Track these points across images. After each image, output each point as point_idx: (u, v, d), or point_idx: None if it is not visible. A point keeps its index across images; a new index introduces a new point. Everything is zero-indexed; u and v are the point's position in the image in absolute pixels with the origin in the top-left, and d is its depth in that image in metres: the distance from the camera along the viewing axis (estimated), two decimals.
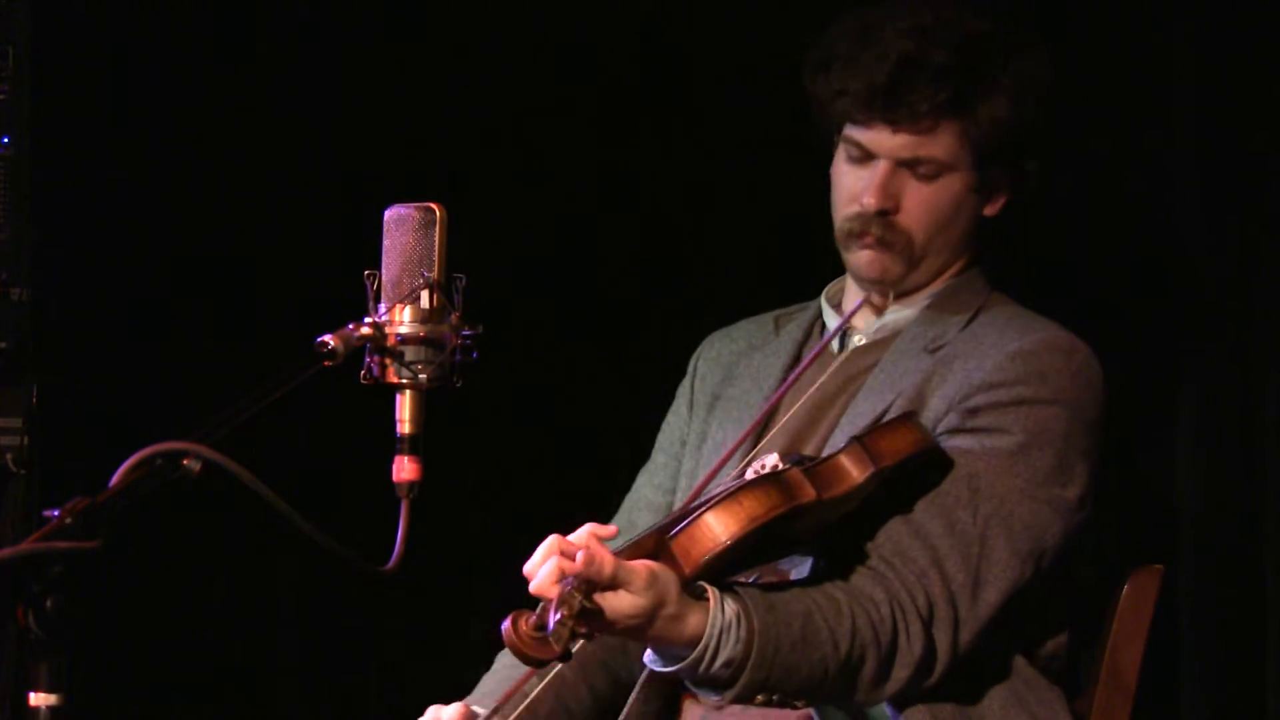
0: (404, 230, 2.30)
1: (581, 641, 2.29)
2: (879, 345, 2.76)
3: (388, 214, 2.31)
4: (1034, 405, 2.59)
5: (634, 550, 2.39)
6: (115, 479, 2.03)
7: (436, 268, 2.29)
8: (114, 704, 3.83)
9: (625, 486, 2.98)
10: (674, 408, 2.96)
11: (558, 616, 2.26)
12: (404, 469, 2.28)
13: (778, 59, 2.89)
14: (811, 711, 2.54)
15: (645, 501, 2.92)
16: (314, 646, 4.09)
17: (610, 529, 2.45)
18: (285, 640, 4.11)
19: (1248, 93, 3.56)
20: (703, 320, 3.03)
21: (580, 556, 2.30)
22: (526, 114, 4.04)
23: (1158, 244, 3.68)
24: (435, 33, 4.06)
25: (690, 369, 2.96)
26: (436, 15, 4.05)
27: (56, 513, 1.97)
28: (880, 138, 2.68)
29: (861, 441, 2.47)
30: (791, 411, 2.73)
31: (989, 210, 2.76)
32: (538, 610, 2.32)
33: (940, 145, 2.67)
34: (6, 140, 3.68)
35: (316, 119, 4.04)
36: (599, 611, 2.30)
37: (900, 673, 2.48)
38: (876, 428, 2.52)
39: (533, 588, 2.36)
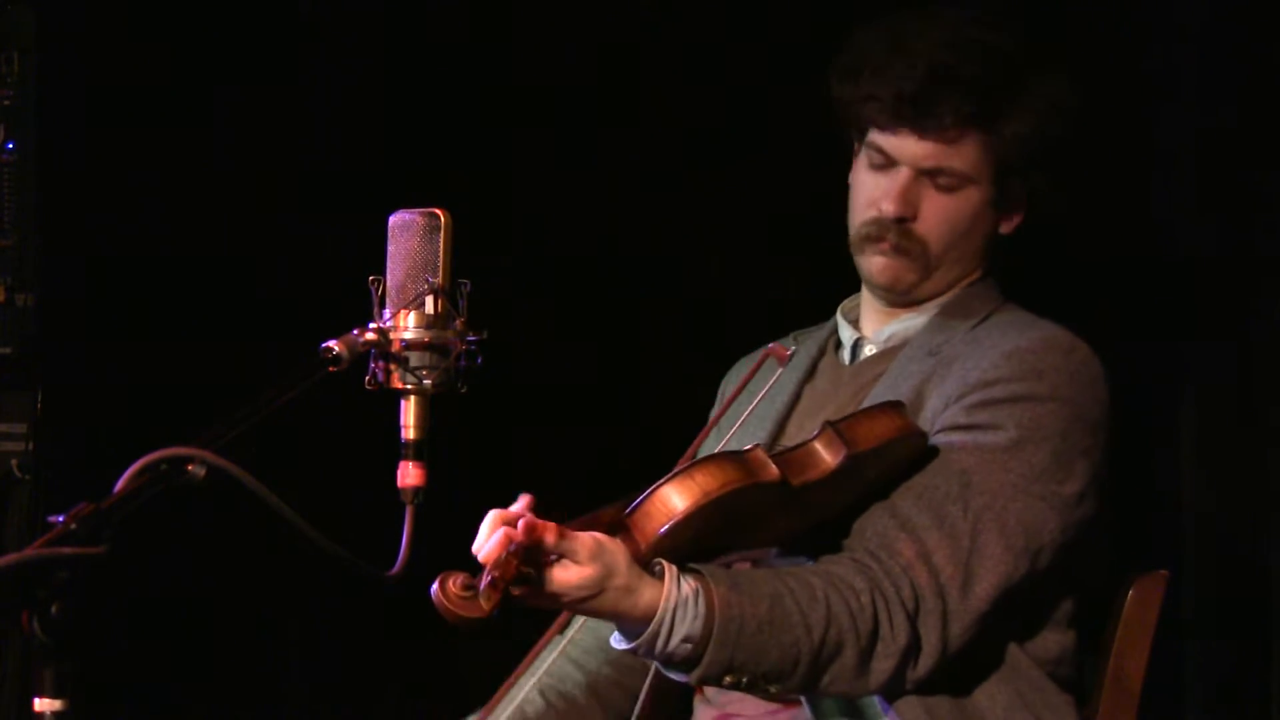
0: (409, 235, 2.30)
1: (507, 603, 2.26)
2: (888, 354, 2.76)
3: (392, 219, 2.31)
4: (1029, 402, 2.57)
5: (589, 523, 2.38)
6: (120, 484, 2.03)
7: (441, 273, 2.29)
8: (119, 710, 3.83)
9: (628, 490, 2.98)
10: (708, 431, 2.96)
11: (489, 578, 2.24)
12: (409, 474, 2.28)
13: (799, 68, 2.90)
14: (805, 706, 2.52)
15: None
16: (319, 652, 4.09)
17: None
18: (290, 645, 4.11)
19: (1248, 96, 3.57)
20: (707, 326, 3.04)
21: (521, 524, 2.29)
22: (531, 118, 4.04)
23: (1160, 250, 3.68)
24: (441, 36, 4.06)
25: (719, 395, 2.97)
26: (440, 18, 4.05)
27: (61, 518, 1.97)
28: (905, 145, 2.69)
29: (835, 426, 2.44)
30: (804, 425, 2.72)
31: (1005, 228, 2.77)
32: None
33: (963, 157, 2.69)
34: (11, 145, 3.69)
35: (321, 123, 4.05)
36: (535, 578, 2.28)
37: (883, 663, 2.44)
38: (853, 413, 2.49)
39: (481, 559, 2.33)
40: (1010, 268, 2.83)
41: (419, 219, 2.30)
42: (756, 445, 2.43)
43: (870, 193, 2.73)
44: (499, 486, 4.01)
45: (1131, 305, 3.71)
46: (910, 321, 2.77)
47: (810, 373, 2.83)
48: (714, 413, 2.94)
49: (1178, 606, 3.53)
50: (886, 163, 2.71)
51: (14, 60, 3.68)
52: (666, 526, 2.35)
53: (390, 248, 2.31)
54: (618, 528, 2.38)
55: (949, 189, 2.70)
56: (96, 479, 2.07)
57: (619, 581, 2.33)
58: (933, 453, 2.55)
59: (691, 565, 2.39)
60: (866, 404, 2.66)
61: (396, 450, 2.29)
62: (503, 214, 3.94)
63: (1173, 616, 3.12)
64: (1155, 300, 3.70)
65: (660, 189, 3.98)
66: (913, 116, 2.67)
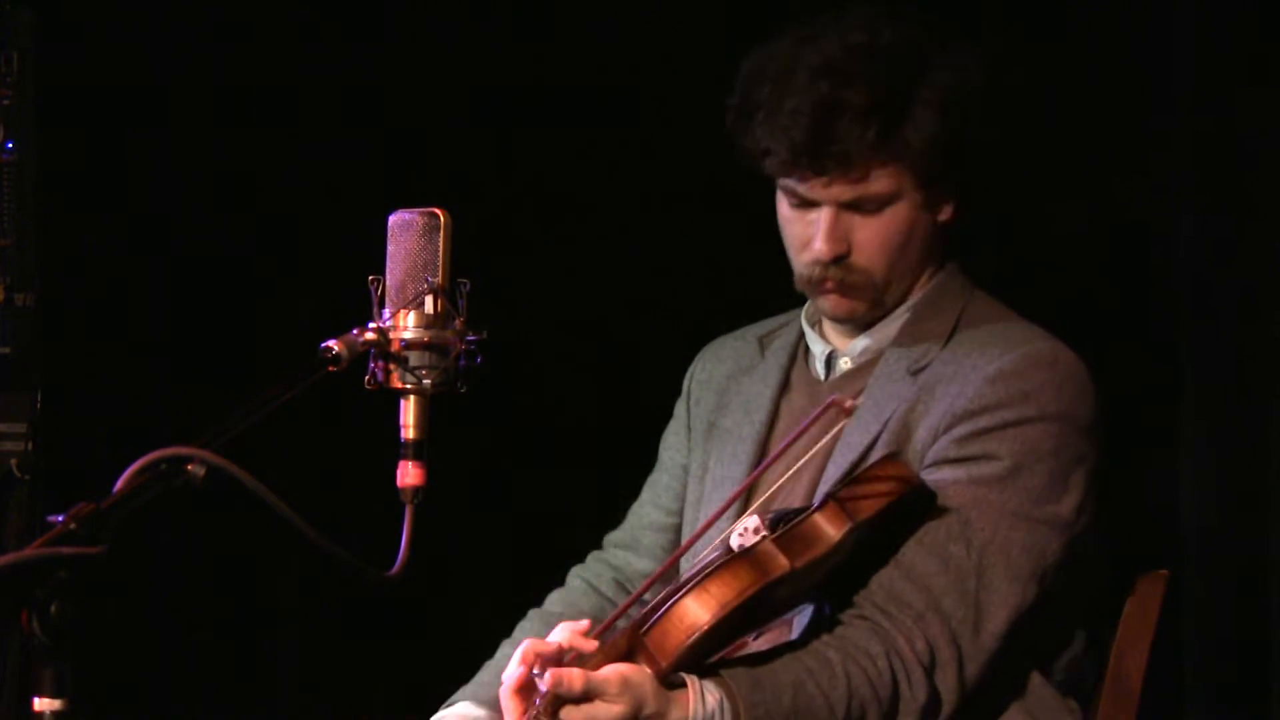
0: (408, 235, 2.30)
1: None
2: (865, 369, 2.72)
3: (392, 219, 2.31)
4: (1020, 426, 2.54)
5: (609, 652, 2.38)
6: (119, 484, 2.03)
7: (441, 273, 2.28)
8: (117, 710, 3.83)
9: (629, 491, 2.98)
10: (673, 426, 2.94)
11: None
12: (408, 474, 2.28)
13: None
14: None
15: (649, 521, 2.91)
16: (318, 652, 4.09)
17: (583, 624, 2.45)
18: (289, 645, 4.11)
19: (1248, 117, 3.57)
20: (706, 326, 3.03)
21: (548, 677, 2.31)
22: (531, 118, 4.04)
23: (1162, 257, 3.69)
24: (439, 36, 4.06)
25: (685, 389, 2.94)
26: (439, 19, 4.05)
27: (61, 518, 1.97)
28: (816, 187, 2.61)
29: (836, 498, 2.41)
30: (786, 449, 2.67)
31: (943, 217, 2.70)
32: None
33: (880, 181, 2.61)
34: (11, 145, 3.68)
35: (319, 123, 4.05)
36: None
37: None
38: (853, 479, 2.45)
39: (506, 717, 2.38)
40: (1001, 272, 2.82)
41: (418, 219, 2.30)
42: (765, 537, 2.39)
43: (799, 235, 2.67)
44: (499, 487, 4.03)
45: (1130, 305, 3.71)
46: (880, 332, 2.73)
47: (784, 385, 2.79)
48: (686, 411, 2.91)
49: (1178, 606, 3.53)
50: (804, 203, 2.64)
51: (14, 60, 3.67)
52: (688, 643, 2.36)
53: (390, 248, 2.31)
54: (635, 649, 2.38)
55: (875, 212, 2.63)
56: (96, 479, 2.07)
57: (649, 711, 2.34)
58: (929, 493, 2.52)
59: (713, 670, 2.40)
60: (854, 425, 2.63)
61: (396, 450, 2.29)
62: (503, 214, 3.94)
63: (1173, 616, 3.13)
64: (1154, 299, 3.70)
65: (661, 190, 3.98)
66: (812, 162, 2.58)
